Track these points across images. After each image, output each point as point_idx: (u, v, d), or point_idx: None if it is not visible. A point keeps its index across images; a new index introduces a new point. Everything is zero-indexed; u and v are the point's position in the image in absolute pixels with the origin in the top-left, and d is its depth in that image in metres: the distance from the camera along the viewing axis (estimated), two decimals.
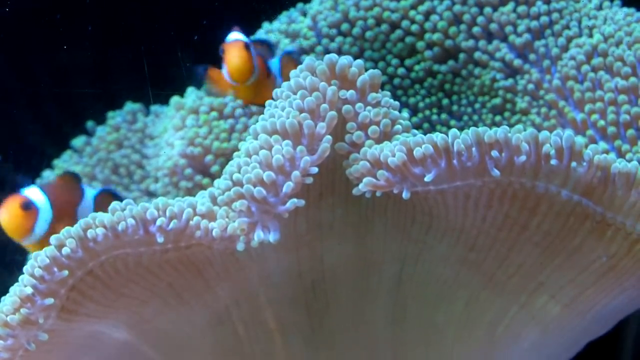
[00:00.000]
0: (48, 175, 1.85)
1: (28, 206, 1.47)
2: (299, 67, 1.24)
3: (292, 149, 1.18)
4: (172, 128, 1.75)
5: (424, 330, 1.45)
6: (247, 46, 1.49)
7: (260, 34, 1.77)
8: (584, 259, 1.32)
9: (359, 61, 1.24)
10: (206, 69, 1.57)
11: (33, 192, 1.50)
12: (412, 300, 1.42)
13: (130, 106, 1.88)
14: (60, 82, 1.93)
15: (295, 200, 1.19)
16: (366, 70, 1.22)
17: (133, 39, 1.83)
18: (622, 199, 1.23)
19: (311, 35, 1.72)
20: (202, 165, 1.70)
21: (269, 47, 1.58)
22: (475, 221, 1.29)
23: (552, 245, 1.32)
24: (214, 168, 1.68)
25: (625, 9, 1.62)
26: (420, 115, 1.71)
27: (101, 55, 1.91)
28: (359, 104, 1.23)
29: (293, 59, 1.59)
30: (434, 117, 1.71)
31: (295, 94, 1.21)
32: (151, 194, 1.81)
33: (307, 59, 1.23)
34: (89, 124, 1.87)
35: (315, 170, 1.19)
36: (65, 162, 1.85)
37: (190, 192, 1.70)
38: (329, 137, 1.20)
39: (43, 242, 1.46)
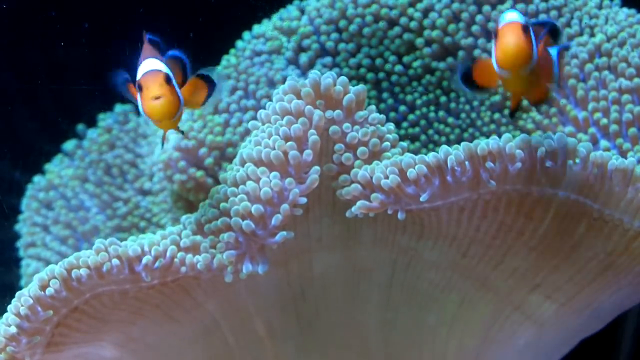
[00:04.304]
0: (39, 180, 1.84)
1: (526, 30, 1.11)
2: (282, 87, 1.22)
3: (280, 181, 1.17)
4: None
5: (416, 333, 1.45)
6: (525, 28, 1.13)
7: (258, 29, 1.76)
8: (581, 258, 1.32)
9: (343, 78, 1.22)
10: None
11: None
12: (403, 304, 1.42)
13: (120, 107, 1.87)
14: (57, 78, 1.93)
15: (284, 233, 1.18)
16: (359, 74, 1.20)
17: (130, 36, 1.82)
18: (620, 195, 1.23)
19: (309, 33, 1.71)
20: (195, 158, 1.69)
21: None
22: (469, 231, 1.29)
23: (549, 247, 1.31)
24: (208, 161, 1.68)
25: (625, 10, 1.60)
26: (417, 112, 1.70)
27: (98, 52, 1.90)
28: (346, 124, 1.21)
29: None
30: (432, 114, 1.70)
31: (281, 118, 1.20)
32: (145, 193, 1.81)
33: (289, 79, 1.21)
34: (79, 127, 1.87)
35: (304, 200, 1.18)
36: (56, 166, 1.84)
37: (184, 184, 1.69)
38: (317, 167, 1.19)
39: None
